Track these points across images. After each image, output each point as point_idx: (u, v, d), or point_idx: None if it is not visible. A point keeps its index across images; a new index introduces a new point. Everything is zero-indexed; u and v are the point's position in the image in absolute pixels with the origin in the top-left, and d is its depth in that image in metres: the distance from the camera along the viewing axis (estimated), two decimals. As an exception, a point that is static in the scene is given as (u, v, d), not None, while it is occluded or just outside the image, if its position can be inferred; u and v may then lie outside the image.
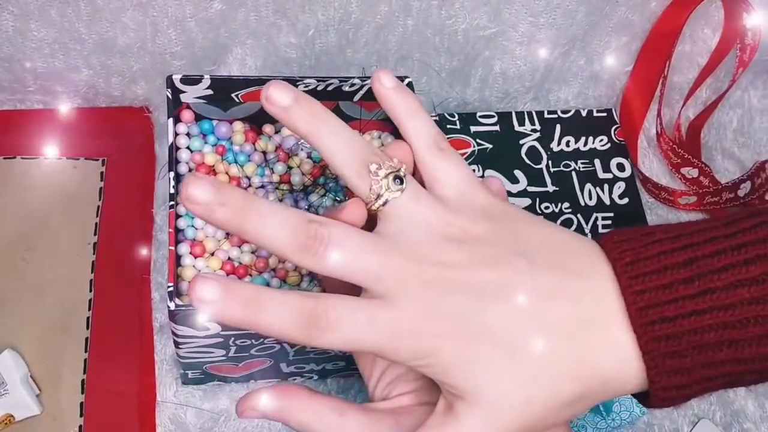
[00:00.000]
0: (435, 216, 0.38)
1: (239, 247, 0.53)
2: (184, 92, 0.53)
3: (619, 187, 0.69)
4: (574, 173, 0.69)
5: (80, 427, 0.56)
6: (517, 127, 0.71)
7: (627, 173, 0.70)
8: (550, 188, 0.68)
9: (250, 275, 0.52)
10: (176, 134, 0.54)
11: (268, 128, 0.56)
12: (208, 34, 0.65)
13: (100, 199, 0.65)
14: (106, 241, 0.63)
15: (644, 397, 0.38)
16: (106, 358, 0.59)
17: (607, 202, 0.68)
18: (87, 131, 0.67)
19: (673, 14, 0.70)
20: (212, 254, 0.52)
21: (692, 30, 0.71)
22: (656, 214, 0.71)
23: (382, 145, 0.57)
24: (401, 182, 0.38)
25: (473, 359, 0.36)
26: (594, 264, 0.37)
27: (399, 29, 0.66)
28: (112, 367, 0.59)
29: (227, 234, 0.53)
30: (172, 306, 0.46)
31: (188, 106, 0.55)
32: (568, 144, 0.70)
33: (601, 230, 0.66)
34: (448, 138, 0.68)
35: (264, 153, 0.56)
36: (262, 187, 0.55)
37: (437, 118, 0.70)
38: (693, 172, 0.71)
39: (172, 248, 0.49)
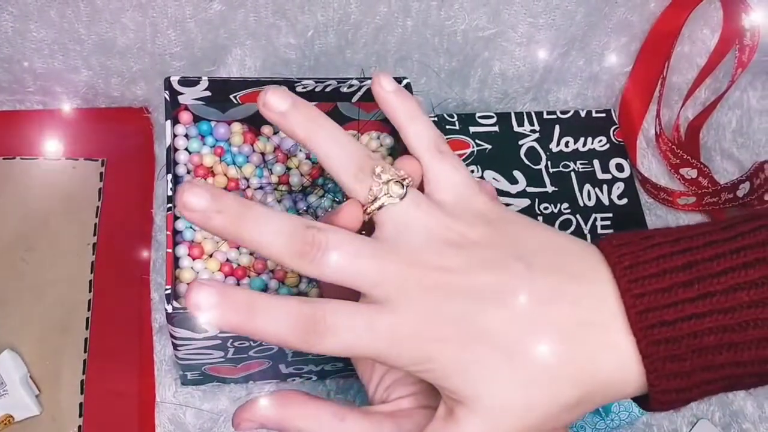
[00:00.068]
0: (434, 221, 0.38)
1: (237, 248, 0.53)
2: (182, 94, 0.53)
3: (618, 188, 0.69)
4: (573, 174, 0.69)
5: (79, 427, 0.56)
6: (516, 128, 0.71)
7: (626, 174, 0.70)
8: (549, 189, 0.68)
9: (249, 276, 0.52)
10: (174, 136, 0.54)
11: (266, 129, 0.56)
12: (208, 35, 0.65)
13: (99, 200, 0.65)
14: (105, 242, 0.63)
15: (644, 401, 0.38)
16: (106, 359, 0.59)
17: (606, 202, 0.68)
18: (86, 132, 0.67)
19: (672, 15, 0.70)
20: (210, 256, 0.52)
21: (691, 30, 0.71)
22: (655, 214, 0.71)
23: (381, 145, 0.57)
24: (402, 188, 0.38)
25: (473, 364, 0.36)
26: (593, 267, 0.37)
27: (398, 30, 0.66)
28: (112, 368, 0.59)
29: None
30: (169, 309, 0.46)
31: (186, 108, 0.55)
32: (567, 144, 0.70)
33: (600, 231, 0.66)
34: (447, 138, 0.68)
35: (262, 154, 0.56)
36: (261, 188, 0.55)
37: (436, 118, 0.70)
38: (692, 173, 0.71)
39: (170, 251, 0.49)
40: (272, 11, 0.64)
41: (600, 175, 0.69)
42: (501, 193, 0.67)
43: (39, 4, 0.61)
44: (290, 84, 0.53)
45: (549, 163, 0.69)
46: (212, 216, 0.36)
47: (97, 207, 0.64)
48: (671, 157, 0.72)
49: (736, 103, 0.73)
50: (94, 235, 0.63)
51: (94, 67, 0.65)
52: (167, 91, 0.52)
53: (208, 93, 0.53)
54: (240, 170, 0.55)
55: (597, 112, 0.73)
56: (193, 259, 0.52)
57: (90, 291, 0.61)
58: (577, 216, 0.67)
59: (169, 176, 0.50)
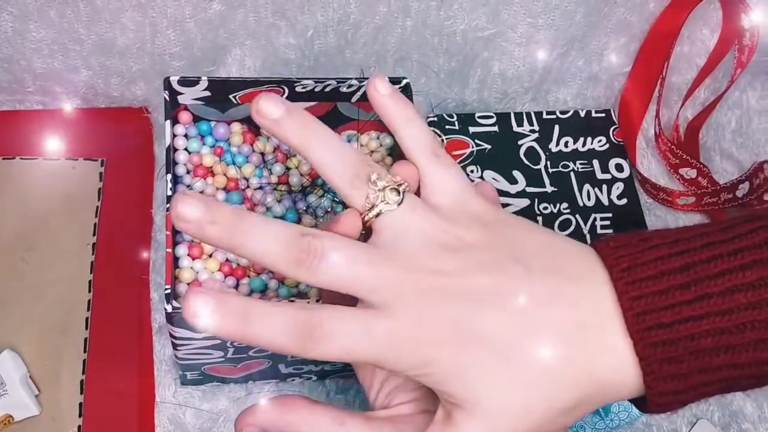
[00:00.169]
0: (430, 225, 0.38)
1: (238, 248, 0.53)
2: (181, 94, 0.53)
3: (618, 188, 0.69)
4: (572, 174, 0.69)
5: (79, 427, 0.57)
6: (515, 128, 0.71)
7: (625, 174, 0.70)
8: (549, 189, 0.68)
9: (249, 276, 0.52)
10: (174, 136, 0.54)
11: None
12: (207, 35, 0.65)
13: (99, 200, 0.65)
14: (105, 242, 0.63)
15: (641, 403, 0.38)
16: (106, 359, 0.59)
17: (606, 202, 0.68)
18: (86, 132, 0.67)
19: (672, 15, 0.70)
20: (210, 256, 0.52)
21: (691, 31, 0.71)
22: (654, 214, 0.71)
23: (380, 145, 0.57)
24: (398, 195, 0.38)
25: (471, 366, 0.36)
26: (591, 269, 0.37)
27: (398, 30, 0.66)
28: (112, 368, 0.59)
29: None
30: (169, 308, 0.46)
31: (186, 108, 0.55)
32: (566, 144, 0.70)
33: (599, 231, 0.66)
34: (446, 138, 0.69)
35: (262, 154, 0.56)
36: (261, 188, 0.55)
37: (436, 118, 0.70)
38: (691, 173, 0.71)
39: (170, 250, 0.49)
40: (272, 11, 0.64)
41: (599, 175, 0.69)
42: (501, 193, 0.67)
43: (39, 4, 0.61)
44: (290, 84, 0.53)
45: (548, 163, 0.69)
46: (206, 227, 0.36)
47: (97, 207, 0.64)
48: (671, 157, 0.72)
49: (735, 103, 0.73)
50: (94, 235, 0.63)
51: (94, 67, 0.66)
52: (167, 91, 0.53)
53: (207, 93, 0.53)
54: (240, 170, 0.55)
55: (596, 112, 0.73)
56: (193, 259, 0.52)
57: (90, 291, 0.61)
58: (577, 216, 0.67)
59: (169, 176, 0.50)
